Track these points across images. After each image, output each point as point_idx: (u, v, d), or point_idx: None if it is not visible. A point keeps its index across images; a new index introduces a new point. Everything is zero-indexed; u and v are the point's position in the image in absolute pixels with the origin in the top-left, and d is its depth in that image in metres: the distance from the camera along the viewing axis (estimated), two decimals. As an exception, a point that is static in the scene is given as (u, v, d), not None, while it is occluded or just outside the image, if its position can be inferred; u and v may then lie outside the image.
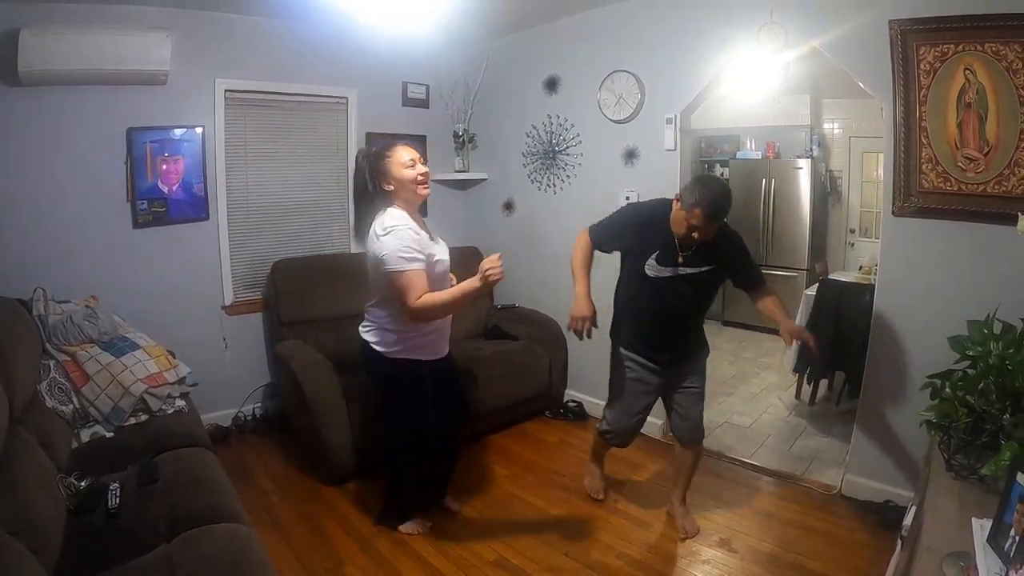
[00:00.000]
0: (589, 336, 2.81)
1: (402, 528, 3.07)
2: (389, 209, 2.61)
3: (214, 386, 3.95)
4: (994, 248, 2.70)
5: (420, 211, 2.81)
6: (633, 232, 2.84)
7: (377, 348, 2.74)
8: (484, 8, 4.01)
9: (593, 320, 2.81)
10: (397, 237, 2.50)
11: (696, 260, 2.74)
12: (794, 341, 3.03)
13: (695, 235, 2.60)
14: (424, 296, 2.48)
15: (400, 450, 2.97)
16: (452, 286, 2.67)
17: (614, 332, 3.06)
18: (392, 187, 2.62)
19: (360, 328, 2.82)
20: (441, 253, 2.71)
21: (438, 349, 2.85)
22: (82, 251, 3.59)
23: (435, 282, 2.61)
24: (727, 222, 2.74)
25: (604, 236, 2.93)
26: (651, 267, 2.78)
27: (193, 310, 4.05)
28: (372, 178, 2.63)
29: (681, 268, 2.75)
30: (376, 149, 2.70)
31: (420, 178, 2.64)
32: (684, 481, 3.17)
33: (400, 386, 2.79)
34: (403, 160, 2.62)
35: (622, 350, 3.01)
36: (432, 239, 2.72)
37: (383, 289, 2.63)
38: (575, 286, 2.89)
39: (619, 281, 3.01)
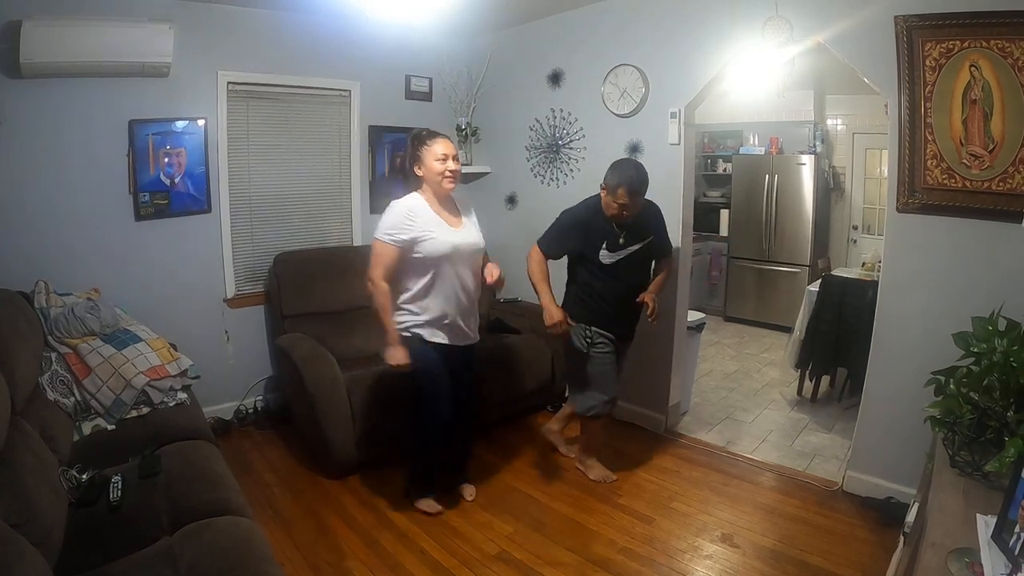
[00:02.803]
0: (566, 334, 3.28)
1: (417, 504, 3.21)
2: (413, 192, 2.90)
3: (216, 379, 3.96)
4: (999, 245, 2.69)
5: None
6: (577, 234, 3.22)
7: (398, 324, 2.94)
8: (488, 0, 3.99)
9: (566, 319, 3.22)
10: (389, 212, 2.83)
11: (634, 237, 3.20)
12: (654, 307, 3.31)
13: (625, 212, 3.08)
14: (380, 282, 2.82)
15: (414, 425, 3.13)
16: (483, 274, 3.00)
17: (588, 318, 3.31)
18: (421, 173, 2.87)
19: None
20: (447, 235, 2.85)
21: (444, 335, 2.94)
22: (84, 244, 3.58)
23: (429, 263, 2.83)
24: (651, 200, 3.27)
25: (553, 246, 3.30)
26: (605, 256, 3.19)
27: (195, 303, 4.05)
28: (409, 159, 2.91)
29: (626, 248, 3.19)
30: (424, 134, 2.91)
31: (448, 174, 2.85)
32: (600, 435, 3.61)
33: (413, 359, 2.92)
34: (437, 153, 2.84)
35: (593, 328, 3.29)
36: (457, 225, 2.95)
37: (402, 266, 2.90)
38: (540, 297, 3.26)
39: (573, 277, 3.38)
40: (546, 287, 3.25)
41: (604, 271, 3.21)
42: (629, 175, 3.03)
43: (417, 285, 2.86)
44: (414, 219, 2.79)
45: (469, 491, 3.35)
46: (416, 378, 2.97)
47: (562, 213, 3.32)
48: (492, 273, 2.96)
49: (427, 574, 2.74)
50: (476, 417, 3.39)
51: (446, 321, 2.92)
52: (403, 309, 2.92)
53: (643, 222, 3.22)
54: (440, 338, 2.93)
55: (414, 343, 2.91)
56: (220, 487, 2.42)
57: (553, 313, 3.19)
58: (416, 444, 3.20)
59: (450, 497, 3.29)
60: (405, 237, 2.78)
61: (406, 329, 2.91)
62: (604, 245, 3.17)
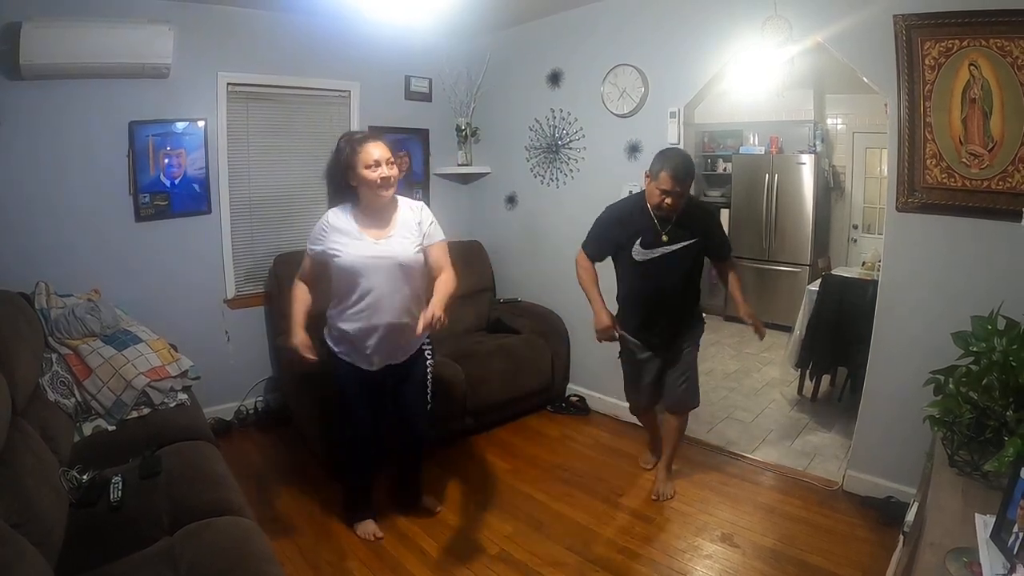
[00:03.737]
0: (616, 338, 3.20)
1: (354, 529, 3.04)
2: (347, 204, 2.70)
3: (216, 380, 3.95)
4: (998, 244, 2.69)
5: (388, 205, 2.74)
6: (617, 228, 3.07)
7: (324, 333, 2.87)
8: (487, 1, 3.99)
9: (615, 326, 3.13)
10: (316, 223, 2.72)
11: (678, 235, 2.99)
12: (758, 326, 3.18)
13: (668, 201, 2.86)
14: (298, 282, 2.78)
15: (337, 443, 3.07)
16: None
17: (619, 320, 3.22)
18: (355, 183, 2.63)
19: None
20: (356, 248, 2.61)
21: (354, 354, 2.77)
22: (84, 245, 3.59)
23: (339, 274, 2.66)
24: (704, 203, 3.10)
25: (596, 247, 3.15)
26: (638, 252, 3.01)
27: (195, 304, 4.05)
28: (343, 166, 2.63)
29: (666, 247, 2.99)
30: (353, 140, 2.64)
31: (379, 181, 2.58)
32: (669, 449, 3.41)
33: (332, 372, 2.86)
34: (368, 159, 2.57)
35: (626, 335, 3.23)
36: (379, 236, 2.66)
37: None
38: (591, 304, 3.14)
39: (616, 276, 3.21)
40: (595, 292, 3.12)
41: (636, 269, 3.06)
42: (674, 161, 2.86)
43: (336, 297, 2.73)
44: (327, 232, 2.64)
45: (431, 502, 3.24)
46: (338, 392, 2.89)
47: (605, 209, 3.19)
48: (426, 317, 2.46)
49: (427, 574, 2.74)
50: (422, 438, 3.14)
51: (350, 339, 2.73)
52: (327, 318, 2.81)
53: (689, 222, 3.00)
54: (351, 356, 2.77)
55: (329, 352, 2.81)
56: (220, 487, 2.43)
57: (602, 319, 3.09)
58: (342, 460, 3.10)
59: (452, 497, 3.30)
60: (317, 248, 2.66)
61: (324, 339, 2.83)
62: (639, 241, 3.00)
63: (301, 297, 2.77)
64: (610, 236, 3.09)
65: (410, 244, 2.68)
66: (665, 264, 3.00)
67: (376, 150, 2.58)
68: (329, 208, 2.72)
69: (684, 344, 3.21)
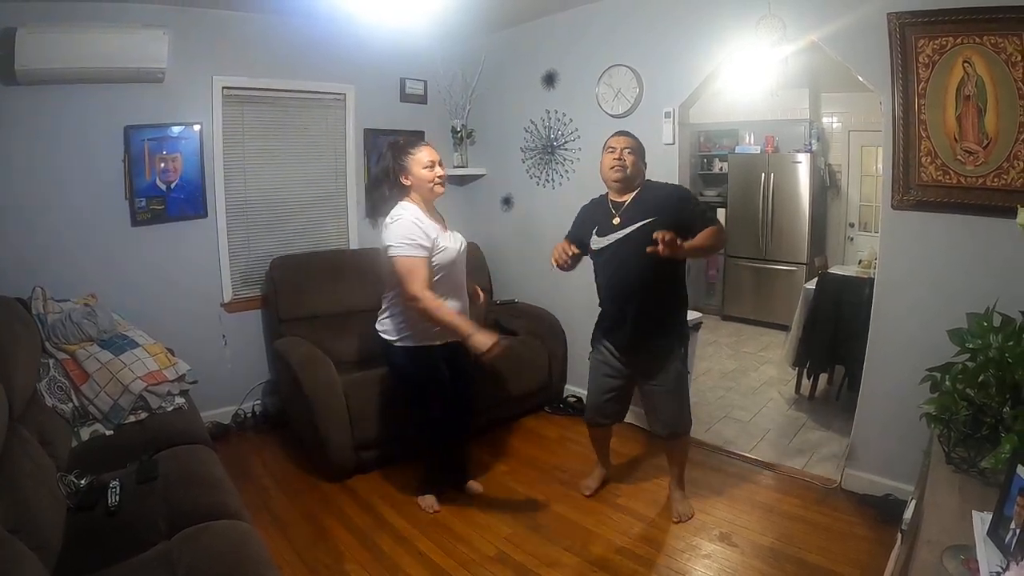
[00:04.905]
0: (570, 258, 2.89)
1: (420, 500, 3.25)
2: (402, 202, 2.85)
3: (213, 383, 3.95)
4: (993, 241, 2.69)
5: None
6: (582, 219, 3.12)
7: (387, 337, 2.98)
8: (481, 3, 4.00)
9: (569, 245, 2.93)
10: (400, 225, 2.76)
11: (632, 215, 2.83)
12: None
13: (616, 157, 2.88)
14: (428, 293, 2.74)
15: (429, 430, 3.17)
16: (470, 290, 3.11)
17: (595, 325, 3.19)
18: (409, 182, 2.86)
19: (378, 318, 3.04)
20: (450, 243, 2.91)
21: (444, 334, 2.94)
22: (81, 249, 3.58)
23: (441, 269, 2.86)
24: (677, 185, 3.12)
25: (570, 235, 3.13)
26: (595, 242, 2.95)
27: (192, 308, 4.04)
28: (393, 169, 2.87)
29: (619, 230, 2.86)
30: (403, 143, 2.93)
31: (437, 180, 2.88)
32: (675, 471, 3.26)
33: (413, 373, 3.03)
34: (424, 161, 2.85)
35: (595, 331, 3.17)
36: (445, 230, 2.96)
37: (393, 277, 2.85)
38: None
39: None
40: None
41: (597, 262, 2.97)
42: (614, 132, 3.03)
43: (433, 291, 2.83)
44: (425, 230, 2.79)
45: (477, 486, 3.42)
46: (421, 387, 3.05)
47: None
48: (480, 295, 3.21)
49: (426, 576, 2.74)
50: (472, 408, 3.42)
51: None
52: (397, 318, 2.94)
53: (648, 201, 2.84)
54: (440, 339, 2.94)
55: (412, 353, 2.96)
56: (217, 491, 2.42)
57: (557, 246, 2.94)
58: (431, 445, 3.24)
59: (450, 498, 3.31)
60: (427, 244, 2.78)
61: (406, 339, 2.94)
62: (595, 230, 2.93)
63: (440, 301, 2.82)
64: (577, 226, 3.12)
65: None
66: (622, 251, 2.82)
67: (430, 153, 2.88)
68: (370, 209, 2.99)
69: (662, 354, 2.97)
